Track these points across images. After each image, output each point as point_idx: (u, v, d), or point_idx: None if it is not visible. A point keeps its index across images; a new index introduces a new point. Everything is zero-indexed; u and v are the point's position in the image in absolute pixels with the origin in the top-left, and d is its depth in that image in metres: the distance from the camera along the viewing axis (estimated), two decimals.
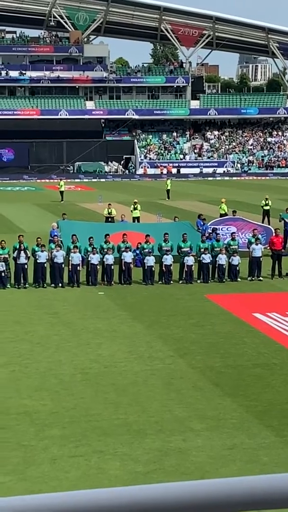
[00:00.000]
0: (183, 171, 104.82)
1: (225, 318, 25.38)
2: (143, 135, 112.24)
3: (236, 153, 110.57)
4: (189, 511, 1.91)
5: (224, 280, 31.53)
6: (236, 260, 31.65)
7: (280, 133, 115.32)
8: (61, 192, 67.54)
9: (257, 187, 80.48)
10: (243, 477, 1.97)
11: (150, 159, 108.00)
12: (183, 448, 14.51)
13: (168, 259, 31.21)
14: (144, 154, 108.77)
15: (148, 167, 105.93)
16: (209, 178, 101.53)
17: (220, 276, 31.57)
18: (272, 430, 15.33)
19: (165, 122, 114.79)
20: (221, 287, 30.83)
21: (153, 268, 31.28)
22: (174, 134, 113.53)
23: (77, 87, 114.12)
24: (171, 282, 31.25)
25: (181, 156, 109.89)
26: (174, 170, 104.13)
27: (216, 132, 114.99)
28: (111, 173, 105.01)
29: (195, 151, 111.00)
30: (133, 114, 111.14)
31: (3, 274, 30.28)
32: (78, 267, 30.81)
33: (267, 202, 48.50)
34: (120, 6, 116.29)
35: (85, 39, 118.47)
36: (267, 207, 48.10)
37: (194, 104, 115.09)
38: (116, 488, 1.93)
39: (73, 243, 31.55)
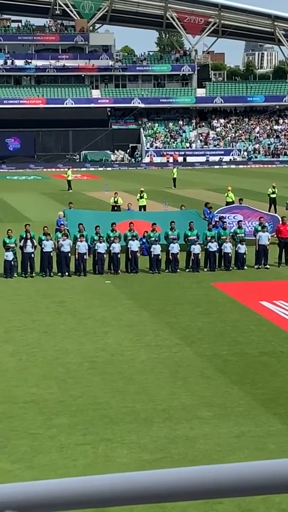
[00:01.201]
0: (189, 159, 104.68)
1: (232, 306, 25.37)
2: (149, 124, 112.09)
3: (243, 141, 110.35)
4: (190, 496, 1.92)
5: (230, 268, 31.52)
6: (242, 248, 31.62)
7: (286, 120, 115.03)
8: (69, 182, 67.54)
9: (263, 175, 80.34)
10: (244, 463, 1.98)
11: (156, 147, 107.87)
12: (190, 436, 14.53)
13: (174, 248, 31.20)
14: (150, 142, 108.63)
15: (154, 156, 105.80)
16: (216, 167, 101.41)
17: (226, 264, 31.55)
18: (279, 418, 15.34)
19: (171, 111, 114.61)
20: (228, 275, 30.82)
21: (159, 257, 31.28)
22: (180, 122, 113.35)
23: (82, 75, 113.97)
24: (178, 270, 31.25)
25: (187, 144, 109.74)
26: (180, 159, 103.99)
27: (222, 120, 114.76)
28: (117, 162, 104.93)
29: (201, 139, 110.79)
30: (139, 103, 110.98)
31: (12, 263, 30.33)
32: (85, 256, 30.83)
33: (274, 190, 48.39)
34: None
35: (91, 28, 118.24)
36: (274, 195, 47.99)
37: (200, 92, 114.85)
38: (115, 475, 1.93)
39: (80, 232, 31.55)
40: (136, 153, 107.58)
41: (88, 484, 1.91)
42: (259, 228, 32.68)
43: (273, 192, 48.26)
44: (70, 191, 65.46)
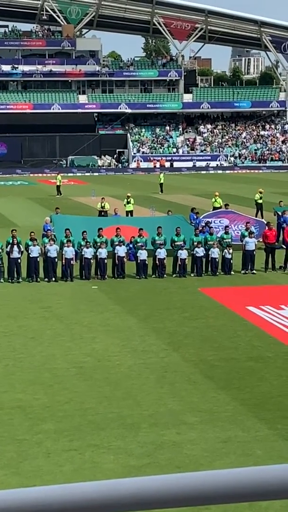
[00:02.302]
0: (176, 164, 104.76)
1: (219, 312, 25.39)
2: (136, 129, 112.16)
3: (229, 146, 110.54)
4: (178, 503, 1.91)
5: (217, 273, 31.54)
6: (229, 253, 31.64)
7: (273, 126, 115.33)
8: (58, 187, 67.37)
9: (250, 181, 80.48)
10: (233, 469, 1.97)
11: (143, 153, 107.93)
12: (177, 441, 14.52)
13: (161, 253, 31.21)
14: (137, 148, 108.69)
15: (141, 161, 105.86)
16: (202, 172, 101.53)
17: (213, 269, 31.58)
18: (266, 423, 15.35)
19: (158, 116, 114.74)
20: (215, 280, 30.84)
21: (146, 262, 31.28)
22: (167, 127, 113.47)
23: (69, 81, 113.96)
24: (165, 275, 31.26)
25: (174, 150, 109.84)
26: (167, 164, 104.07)
27: (209, 126, 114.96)
28: (104, 167, 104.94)
29: (188, 144, 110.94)
30: (126, 108, 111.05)
31: None
32: (72, 261, 30.79)
33: (261, 195, 48.43)
34: (112, 0, 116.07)
35: (78, 33, 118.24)
36: (261, 201, 48.02)
37: (187, 97, 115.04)
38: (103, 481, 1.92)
39: (67, 237, 31.51)
40: (122, 158, 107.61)
41: (75, 492, 1.90)
42: (246, 233, 32.73)
43: (260, 198, 48.32)
44: (58, 196, 65.33)
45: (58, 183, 67.58)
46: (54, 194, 66.42)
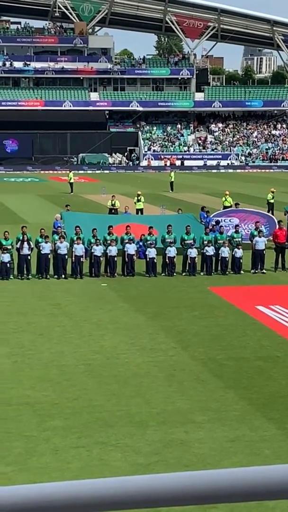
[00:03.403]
0: (187, 163, 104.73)
1: (228, 311, 25.37)
2: (147, 127, 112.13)
3: (240, 145, 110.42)
4: (182, 502, 1.91)
5: (227, 272, 31.51)
6: (239, 252, 31.62)
7: (284, 125, 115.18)
8: (71, 184, 67.34)
9: (261, 180, 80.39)
10: (239, 468, 1.97)
11: (154, 151, 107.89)
12: (185, 440, 14.51)
13: (171, 251, 31.20)
14: (148, 146, 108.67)
15: (152, 159, 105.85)
16: (213, 171, 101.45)
17: (223, 268, 31.56)
18: (274, 423, 15.33)
19: (169, 114, 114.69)
20: (224, 279, 30.82)
21: (155, 260, 31.26)
22: (178, 126, 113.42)
23: (81, 78, 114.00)
24: (174, 274, 31.25)
25: (185, 148, 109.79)
26: (178, 162, 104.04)
27: (220, 125, 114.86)
28: (115, 165, 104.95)
29: (199, 143, 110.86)
30: (137, 106, 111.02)
31: (8, 265, 30.30)
32: (82, 259, 30.81)
33: (273, 195, 48.41)
34: None
35: (90, 30, 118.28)
36: (272, 201, 48.01)
37: (199, 96, 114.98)
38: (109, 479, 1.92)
39: (77, 235, 31.53)
40: (132, 155, 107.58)
41: (83, 488, 1.90)
42: (255, 233, 32.68)
43: (272, 198, 48.29)
44: (71, 193, 65.32)
45: (71, 181, 67.49)
46: (67, 191, 66.37)
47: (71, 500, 1.88)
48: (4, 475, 13.04)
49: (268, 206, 47.74)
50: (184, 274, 31.41)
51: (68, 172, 72.68)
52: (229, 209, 41.19)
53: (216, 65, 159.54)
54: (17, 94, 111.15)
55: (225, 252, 31.52)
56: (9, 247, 30.49)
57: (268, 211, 46.50)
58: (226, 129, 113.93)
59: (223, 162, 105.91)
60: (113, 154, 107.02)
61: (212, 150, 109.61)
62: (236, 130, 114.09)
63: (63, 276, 30.53)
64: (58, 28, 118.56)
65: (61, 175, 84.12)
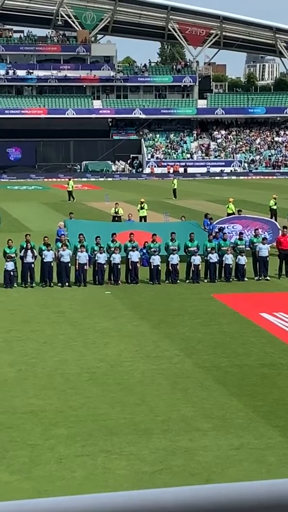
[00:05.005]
0: (190, 170, 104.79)
1: (232, 318, 25.34)
2: (150, 135, 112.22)
3: (243, 152, 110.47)
4: None
5: (231, 279, 31.49)
6: (243, 259, 31.60)
7: (287, 132, 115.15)
8: (69, 192, 67.28)
9: (264, 187, 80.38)
10: (242, 482, 1.95)
11: (157, 158, 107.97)
12: (189, 448, 14.48)
13: (174, 259, 31.19)
14: (151, 153, 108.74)
15: (155, 167, 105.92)
16: (216, 178, 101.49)
17: (227, 275, 31.53)
18: (278, 430, 15.29)
19: (172, 122, 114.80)
20: (228, 286, 30.78)
21: (159, 267, 31.25)
22: (181, 133, 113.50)
23: (84, 86, 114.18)
24: (178, 281, 31.23)
25: (188, 155, 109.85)
26: (181, 170, 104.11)
27: (223, 132, 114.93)
28: (118, 172, 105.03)
29: (202, 150, 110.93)
30: (140, 114, 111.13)
31: (12, 273, 30.31)
32: (85, 266, 30.81)
33: (275, 201, 48.42)
34: (128, 6, 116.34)
35: (93, 38, 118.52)
36: (275, 207, 48.02)
37: (201, 103, 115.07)
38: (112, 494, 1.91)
39: (80, 242, 31.53)
40: (135, 162, 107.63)
41: (87, 503, 1.88)
42: (255, 240, 32.69)
43: (274, 204, 48.31)
44: (70, 201, 65.30)
45: (70, 188, 67.48)
46: (66, 199, 66.41)
47: None
48: (9, 484, 13.01)
49: (271, 212, 47.73)
50: (187, 281, 31.38)
51: (68, 180, 72.63)
52: (233, 216, 41.17)
53: (219, 72, 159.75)
54: (20, 102, 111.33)
55: (228, 259, 31.50)
56: (13, 255, 30.51)
57: (271, 217, 46.50)
58: (229, 136, 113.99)
59: (226, 169, 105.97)
60: (116, 162, 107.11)
61: (215, 157, 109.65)
62: (239, 137, 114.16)
63: (67, 284, 30.53)
64: (61, 36, 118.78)
65: (64, 182, 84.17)
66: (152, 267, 31.25)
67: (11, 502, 1.88)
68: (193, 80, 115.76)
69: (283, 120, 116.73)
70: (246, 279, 31.59)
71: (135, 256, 31.34)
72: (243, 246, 32.65)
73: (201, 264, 31.56)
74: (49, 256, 30.68)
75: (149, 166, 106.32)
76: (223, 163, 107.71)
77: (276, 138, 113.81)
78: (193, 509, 1.88)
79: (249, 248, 32.58)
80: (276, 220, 45.62)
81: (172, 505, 1.87)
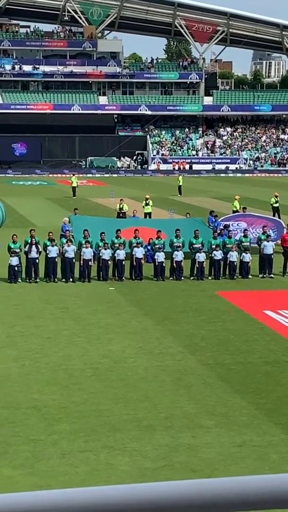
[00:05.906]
0: (195, 167, 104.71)
1: (236, 315, 25.34)
2: (156, 131, 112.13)
3: (249, 150, 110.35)
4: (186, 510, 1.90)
5: (235, 277, 31.48)
6: (247, 257, 31.58)
7: None
8: (73, 188, 67.02)
9: (269, 184, 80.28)
10: (241, 476, 1.95)
11: (162, 155, 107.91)
12: (192, 444, 14.49)
13: (179, 255, 31.18)
14: (157, 150, 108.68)
15: (160, 163, 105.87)
16: (222, 175, 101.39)
17: (231, 273, 31.52)
18: (281, 428, 15.30)
19: (178, 118, 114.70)
20: (232, 284, 30.78)
21: (163, 264, 31.25)
22: (187, 130, 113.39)
23: (90, 82, 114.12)
24: (182, 278, 31.23)
25: (194, 152, 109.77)
26: (186, 166, 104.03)
27: (229, 129, 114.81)
28: (123, 169, 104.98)
29: (208, 147, 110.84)
30: (146, 110, 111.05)
31: (16, 268, 30.33)
32: (90, 262, 30.81)
33: (277, 199, 48.29)
34: (134, 1, 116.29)
35: (99, 34, 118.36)
36: (277, 205, 47.84)
37: (207, 100, 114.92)
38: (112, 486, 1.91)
39: (85, 238, 31.54)
40: (139, 157, 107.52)
41: (88, 496, 1.89)
42: (263, 237, 32.65)
43: (276, 202, 48.15)
44: (75, 197, 65.09)
45: (74, 184, 67.14)
46: (71, 195, 66.28)
47: (79, 507, 1.87)
48: (12, 478, 13.03)
49: (272, 210, 47.57)
50: (192, 278, 31.38)
51: (71, 175, 72.36)
52: (238, 213, 41.14)
53: (225, 69, 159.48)
54: (26, 98, 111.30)
55: (233, 256, 31.48)
56: (18, 250, 30.53)
57: (273, 215, 46.41)
58: (234, 133, 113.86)
59: (232, 166, 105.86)
60: (122, 158, 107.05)
61: (221, 154, 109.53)
62: (244, 134, 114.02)
63: (71, 279, 30.54)
64: (67, 32, 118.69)
65: (69, 178, 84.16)
66: (157, 263, 31.25)
67: (12, 494, 1.88)
68: (199, 77, 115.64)
69: None
70: (250, 276, 31.58)
71: (139, 252, 31.34)
72: (248, 244, 32.62)
73: (206, 261, 31.55)
74: (53, 251, 30.69)
75: (154, 163, 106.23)
76: (229, 160, 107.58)
77: (282, 136, 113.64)
78: (193, 502, 1.88)
79: (256, 245, 32.52)
80: (279, 217, 45.59)
81: (172, 498, 1.87)
